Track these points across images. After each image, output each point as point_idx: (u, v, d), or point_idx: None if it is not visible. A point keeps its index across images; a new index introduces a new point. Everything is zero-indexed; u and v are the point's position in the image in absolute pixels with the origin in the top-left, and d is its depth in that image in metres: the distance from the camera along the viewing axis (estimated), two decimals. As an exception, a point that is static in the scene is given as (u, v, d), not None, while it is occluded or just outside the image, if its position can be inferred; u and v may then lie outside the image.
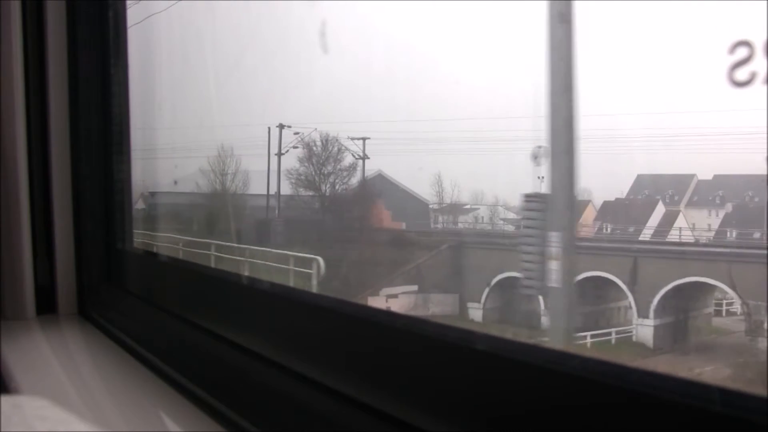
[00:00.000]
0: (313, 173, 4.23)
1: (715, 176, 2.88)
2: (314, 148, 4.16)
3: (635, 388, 0.55)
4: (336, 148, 4.14)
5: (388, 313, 0.85)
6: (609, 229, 3.19)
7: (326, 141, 4.13)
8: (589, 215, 3.20)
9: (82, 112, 1.76)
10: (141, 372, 1.26)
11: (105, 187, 1.79)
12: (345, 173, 4.15)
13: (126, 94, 1.78)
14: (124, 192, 1.79)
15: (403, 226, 4.38)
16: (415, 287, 3.93)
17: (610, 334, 3.12)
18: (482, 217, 3.83)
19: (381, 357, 0.83)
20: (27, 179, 1.69)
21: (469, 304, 3.59)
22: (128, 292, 1.68)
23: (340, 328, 0.91)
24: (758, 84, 0.69)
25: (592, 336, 3.03)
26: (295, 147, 4.17)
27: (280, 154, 4.23)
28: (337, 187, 4.24)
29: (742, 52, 0.70)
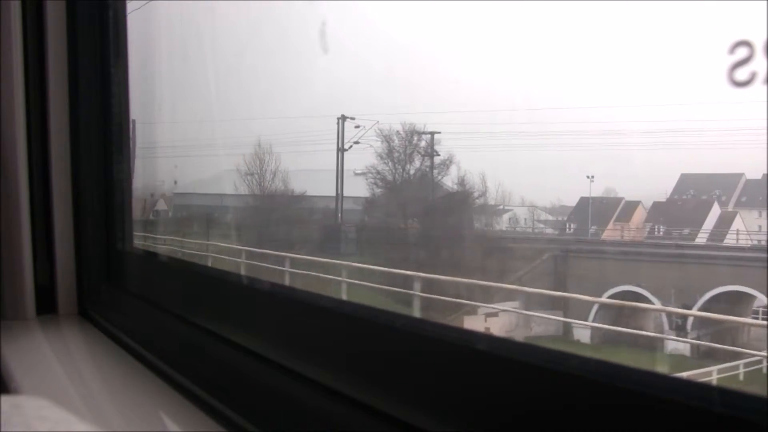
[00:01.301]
0: (393, 171, 3.58)
1: (764, 175, 2.71)
2: (393, 142, 3.53)
3: (635, 388, 0.55)
4: (422, 142, 3.51)
5: (388, 313, 0.85)
6: (661, 231, 3.02)
7: (411, 134, 3.51)
8: (638, 217, 3.07)
9: (82, 112, 1.76)
10: (141, 372, 1.26)
11: (105, 187, 1.79)
12: (434, 171, 3.55)
13: (126, 94, 1.78)
14: (124, 192, 1.79)
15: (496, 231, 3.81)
16: (515, 304, 3.47)
17: (737, 368, 2.72)
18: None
19: (381, 357, 0.83)
20: (27, 179, 1.69)
21: (575, 322, 3.19)
22: (128, 292, 1.68)
23: (340, 328, 0.91)
24: (758, 84, 0.69)
25: (719, 371, 2.67)
26: (356, 143, 3.59)
27: (342, 150, 3.68)
28: (422, 185, 3.61)
29: (742, 52, 0.70)
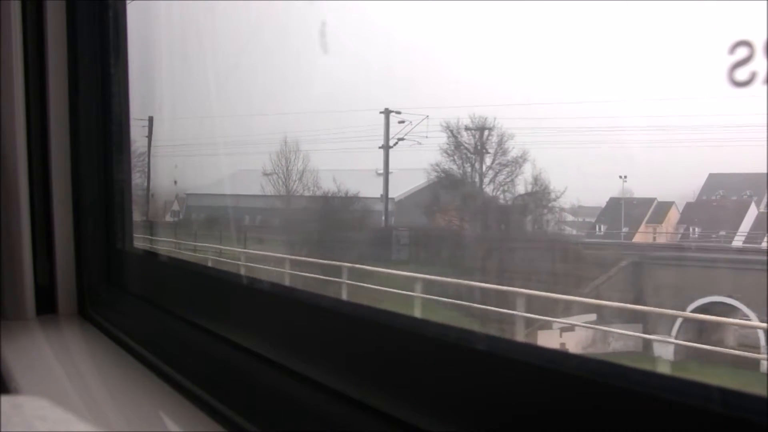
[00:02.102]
0: (462, 169, 3.23)
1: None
2: (461, 137, 3.17)
3: (635, 388, 0.55)
4: (495, 138, 3.17)
5: (388, 313, 0.85)
6: (696, 233, 2.88)
7: (483, 130, 3.17)
8: (672, 218, 2.94)
9: (82, 112, 1.76)
10: (141, 372, 1.26)
11: (105, 187, 1.79)
12: (508, 170, 3.18)
13: (126, 94, 1.78)
14: (124, 192, 1.79)
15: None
16: (593, 317, 3.15)
17: None
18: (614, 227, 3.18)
19: (381, 357, 0.83)
20: (27, 179, 1.69)
21: (656, 337, 2.85)
22: (128, 292, 1.68)
23: (340, 328, 0.91)
24: (758, 84, 0.69)
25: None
26: (401, 139, 3.25)
27: (387, 147, 3.36)
28: (494, 186, 3.24)
29: (742, 52, 0.70)
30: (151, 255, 1.88)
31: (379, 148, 3.35)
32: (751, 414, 0.49)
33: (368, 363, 0.85)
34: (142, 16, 1.87)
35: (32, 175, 1.71)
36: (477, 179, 3.25)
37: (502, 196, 3.27)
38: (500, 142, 3.15)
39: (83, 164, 1.77)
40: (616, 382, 0.57)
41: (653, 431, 0.54)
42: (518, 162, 3.17)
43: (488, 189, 3.25)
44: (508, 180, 3.18)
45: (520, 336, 2.94)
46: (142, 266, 1.71)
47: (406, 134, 3.26)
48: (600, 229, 3.22)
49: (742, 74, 0.70)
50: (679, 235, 2.94)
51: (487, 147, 3.17)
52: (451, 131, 3.15)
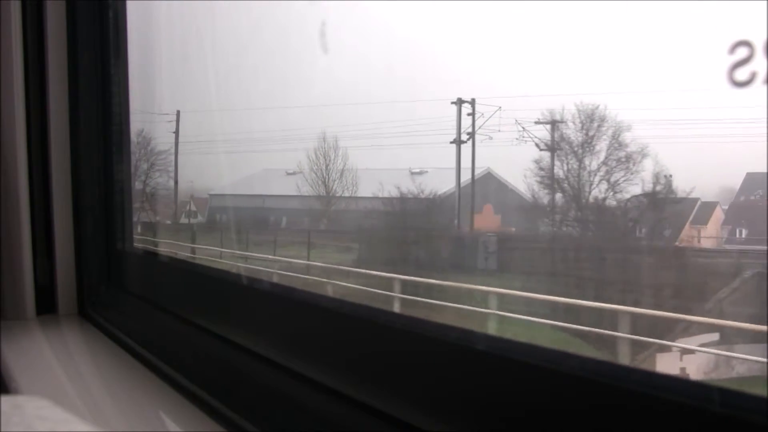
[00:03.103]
0: (570, 167, 2.81)
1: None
2: (570, 128, 2.74)
3: (635, 388, 0.55)
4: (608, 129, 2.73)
5: (388, 313, 0.85)
6: (743, 235, 2.73)
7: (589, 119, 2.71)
8: (717, 218, 2.82)
9: (82, 112, 1.76)
10: (141, 372, 1.26)
11: (105, 188, 1.79)
12: (622, 168, 2.75)
13: (126, 94, 1.78)
14: (124, 192, 1.79)
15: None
16: (715, 336, 2.75)
17: None
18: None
19: (381, 357, 0.83)
20: (27, 179, 1.69)
21: None
22: (128, 292, 1.68)
23: (340, 328, 0.91)
24: (758, 84, 0.69)
25: None
26: (488, 137, 2.89)
27: (459, 142, 3.01)
28: (606, 186, 2.79)
29: (742, 52, 0.70)
30: (151, 255, 1.88)
31: (450, 143, 3.04)
32: (751, 414, 0.49)
33: (368, 363, 0.85)
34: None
35: (32, 176, 1.71)
36: (581, 176, 2.88)
37: (611, 197, 2.86)
38: (614, 135, 2.73)
39: (83, 164, 1.77)
40: (616, 382, 0.57)
41: (653, 431, 0.54)
42: (633, 158, 2.71)
43: (596, 189, 2.87)
44: (622, 178, 2.77)
45: (637, 360, 2.65)
46: (142, 266, 1.71)
47: (479, 127, 2.95)
48: (641, 229, 3.01)
49: (742, 74, 0.70)
50: (724, 238, 2.78)
51: (596, 140, 2.76)
52: (553, 121, 2.75)
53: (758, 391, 0.48)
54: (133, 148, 1.79)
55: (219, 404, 1.01)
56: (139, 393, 1.18)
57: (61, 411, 0.60)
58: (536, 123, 2.81)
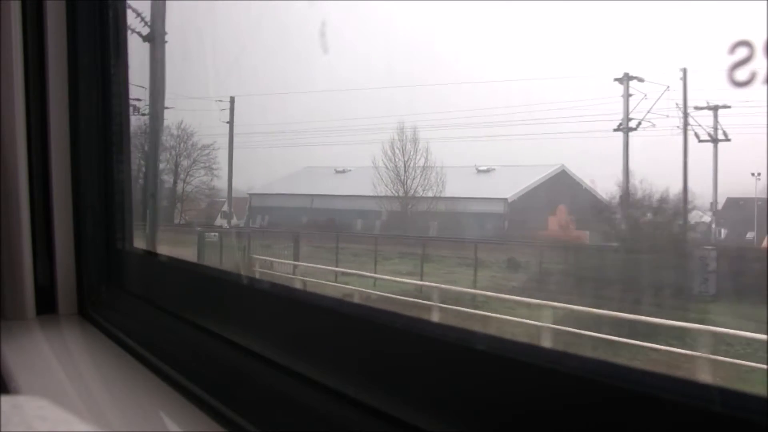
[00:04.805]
0: None
1: None
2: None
3: (635, 388, 0.55)
4: None
5: (388, 313, 0.86)
6: None
7: None
8: None
9: (82, 112, 1.76)
10: (141, 372, 1.26)
11: (105, 188, 1.79)
12: None
13: (126, 94, 1.78)
14: (124, 192, 1.79)
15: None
16: None
17: None
18: None
19: (381, 357, 0.83)
20: (27, 179, 1.69)
21: None
22: (128, 292, 1.68)
23: (340, 328, 0.91)
24: (758, 84, 0.69)
25: None
26: (650, 123, 2.23)
27: (627, 129, 2.37)
28: None
29: (742, 52, 0.70)
30: (151, 255, 1.88)
31: (615, 130, 2.48)
32: (751, 414, 0.49)
33: (368, 363, 0.85)
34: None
35: (32, 175, 1.71)
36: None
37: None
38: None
39: (83, 164, 1.77)
40: (616, 382, 0.57)
41: (653, 431, 0.54)
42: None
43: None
44: None
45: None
46: (142, 266, 1.71)
47: (648, 112, 2.30)
48: (720, 233, 2.75)
49: (742, 74, 0.70)
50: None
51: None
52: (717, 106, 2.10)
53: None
54: (173, 142, 1.73)
55: (219, 404, 1.01)
56: (139, 393, 1.18)
57: (61, 411, 0.60)
58: (696, 109, 2.29)
